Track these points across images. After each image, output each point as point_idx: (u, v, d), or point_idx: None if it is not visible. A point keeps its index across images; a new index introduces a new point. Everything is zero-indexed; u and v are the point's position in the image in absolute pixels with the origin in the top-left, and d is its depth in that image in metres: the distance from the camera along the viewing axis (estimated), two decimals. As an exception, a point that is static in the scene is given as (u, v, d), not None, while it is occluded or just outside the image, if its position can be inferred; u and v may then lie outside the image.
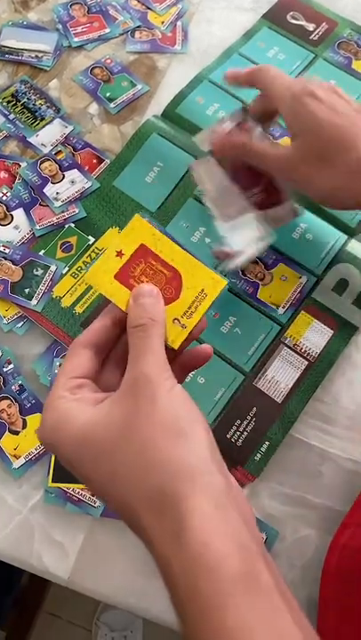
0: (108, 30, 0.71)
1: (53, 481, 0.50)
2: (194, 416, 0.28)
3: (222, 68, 0.68)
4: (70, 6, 0.72)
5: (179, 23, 0.72)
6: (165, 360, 0.29)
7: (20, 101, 0.66)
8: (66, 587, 0.48)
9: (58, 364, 0.53)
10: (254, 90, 0.51)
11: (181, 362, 0.33)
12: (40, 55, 0.69)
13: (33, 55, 0.69)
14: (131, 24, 0.71)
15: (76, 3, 0.72)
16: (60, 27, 0.71)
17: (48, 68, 0.68)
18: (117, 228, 0.59)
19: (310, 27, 0.72)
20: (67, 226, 0.59)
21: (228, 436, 0.51)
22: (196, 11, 0.73)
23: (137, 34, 0.71)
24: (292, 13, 0.73)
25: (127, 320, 0.31)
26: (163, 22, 0.72)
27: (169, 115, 0.65)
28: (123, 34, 0.71)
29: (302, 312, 0.56)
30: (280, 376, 0.54)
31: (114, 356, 0.33)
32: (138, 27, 0.71)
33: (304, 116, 0.45)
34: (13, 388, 0.53)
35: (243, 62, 0.69)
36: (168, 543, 0.25)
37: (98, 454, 0.27)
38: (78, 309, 0.55)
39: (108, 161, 0.63)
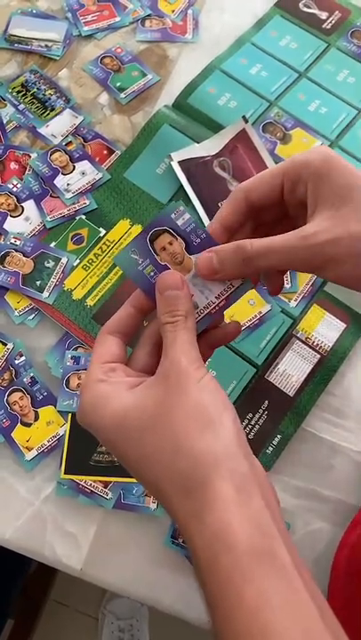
0: (118, 19, 0.70)
1: (66, 473, 0.50)
2: (221, 405, 0.28)
3: (234, 57, 0.68)
4: (80, -6, 0.71)
5: (190, 11, 0.71)
6: (196, 350, 0.30)
7: (29, 91, 0.65)
8: (72, 576, 0.49)
9: (70, 356, 0.53)
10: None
11: (209, 339, 0.34)
12: (50, 44, 0.68)
13: (42, 44, 0.68)
14: (141, 12, 0.70)
15: (86, -10, 0.71)
16: (69, 15, 0.70)
17: (58, 58, 0.67)
18: (128, 220, 0.59)
19: (323, 15, 0.71)
20: (77, 217, 0.59)
21: (240, 429, 0.51)
22: (208, -1, 0.72)
23: (147, 22, 0.70)
24: (304, 1, 0.72)
25: (157, 312, 0.32)
26: (173, 10, 0.71)
27: (180, 105, 0.65)
28: (133, 22, 0.70)
29: (314, 305, 0.56)
30: (292, 369, 0.53)
31: (144, 335, 0.34)
32: (148, 15, 0.70)
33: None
34: (25, 380, 0.53)
35: (255, 52, 0.68)
36: (191, 522, 0.26)
37: (131, 438, 0.28)
38: (90, 302, 0.55)
39: (118, 152, 0.62)
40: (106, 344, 0.33)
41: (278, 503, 0.29)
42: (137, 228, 0.58)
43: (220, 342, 0.35)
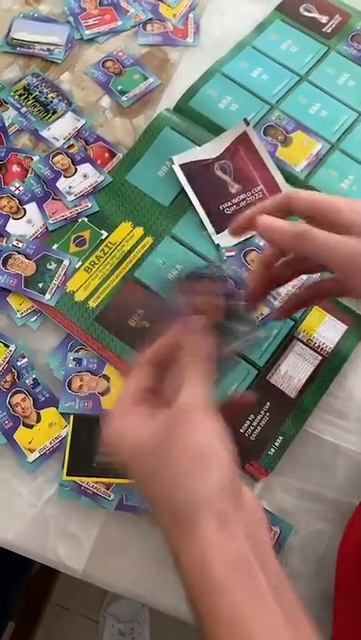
0: (119, 23, 0.70)
1: (68, 474, 0.50)
2: (218, 451, 0.31)
3: (235, 61, 0.68)
4: (81, -2, 0.71)
5: (191, 15, 0.71)
6: (208, 391, 0.33)
7: (31, 94, 0.65)
8: (73, 578, 0.49)
9: (72, 358, 0.53)
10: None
11: (227, 410, 0.36)
12: (52, 48, 0.68)
13: (44, 48, 0.68)
14: (142, 16, 0.71)
15: (88, -5, 0.72)
16: (71, 19, 0.70)
17: (59, 61, 0.68)
18: (130, 223, 0.59)
19: (323, 19, 0.72)
20: (80, 220, 0.59)
21: (242, 430, 0.51)
22: (209, 3, 0.73)
23: (149, 26, 0.71)
24: (304, 5, 0.72)
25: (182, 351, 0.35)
26: (175, 15, 0.71)
27: (181, 108, 0.65)
28: (134, 26, 0.71)
29: (316, 307, 0.56)
30: (294, 371, 0.54)
31: (177, 369, 0.36)
32: (150, 19, 0.71)
33: None
34: (27, 381, 0.53)
35: (256, 55, 0.69)
36: (178, 547, 0.30)
37: (140, 469, 0.33)
38: (92, 304, 0.55)
39: (120, 155, 0.62)
40: (140, 373, 0.36)
41: (264, 527, 0.33)
42: (138, 231, 0.59)
43: (239, 411, 0.39)
